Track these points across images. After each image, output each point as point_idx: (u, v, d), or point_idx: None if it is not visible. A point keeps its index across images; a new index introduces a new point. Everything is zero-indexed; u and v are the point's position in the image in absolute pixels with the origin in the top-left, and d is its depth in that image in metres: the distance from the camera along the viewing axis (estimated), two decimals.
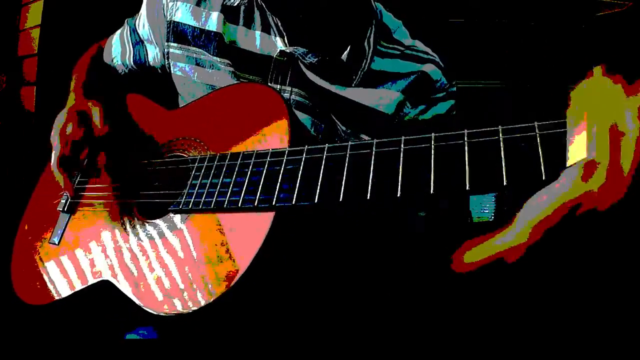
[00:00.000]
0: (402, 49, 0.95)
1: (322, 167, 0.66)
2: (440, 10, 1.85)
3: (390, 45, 0.95)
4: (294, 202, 0.66)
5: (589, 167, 0.51)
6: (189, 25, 0.99)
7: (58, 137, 0.93)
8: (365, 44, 0.92)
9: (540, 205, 0.56)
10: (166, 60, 1.04)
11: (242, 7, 0.96)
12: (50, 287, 0.91)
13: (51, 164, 0.94)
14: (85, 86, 1.07)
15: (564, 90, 1.75)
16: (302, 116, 0.92)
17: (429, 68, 0.93)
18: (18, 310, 0.95)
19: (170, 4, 1.00)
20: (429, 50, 0.96)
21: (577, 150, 0.52)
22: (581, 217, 0.53)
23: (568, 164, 0.52)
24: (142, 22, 1.07)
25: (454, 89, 0.96)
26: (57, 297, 0.89)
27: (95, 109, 0.96)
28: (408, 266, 0.86)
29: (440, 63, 0.95)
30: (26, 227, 1.07)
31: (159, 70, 1.08)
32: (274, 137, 0.76)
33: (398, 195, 0.59)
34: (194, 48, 0.99)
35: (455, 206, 0.94)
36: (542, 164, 0.52)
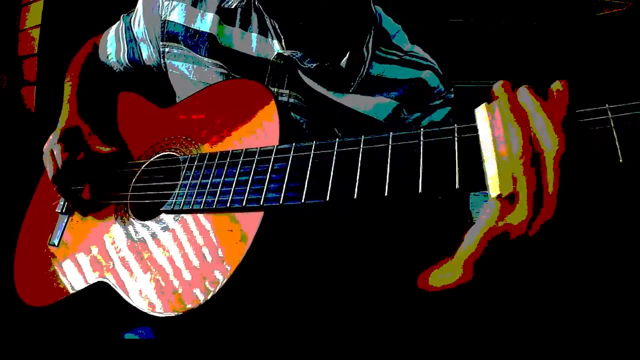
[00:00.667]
0: (401, 54, 0.94)
1: (310, 165, 0.65)
2: (440, 10, 1.85)
3: (390, 51, 0.94)
4: (281, 202, 0.65)
5: (506, 200, 0.48)
6: (181, 25, 0.98)
7: (49, 158, 0.96)
8: (364, 49, 0.91)
9: (467, 241, 0.53)
10: (162, 60, 1.03)
11: (239, 10, 0.95)
12: (51, 288, 0.91)
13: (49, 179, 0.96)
14: (80, 95, 1.08)
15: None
16: (299, 119, 0.92)
17: (426, 75, 0.93)
18: (20, 312, 0.95)
19: (166, 3, 1.00)
20: (427, 56, 0.95)
21: (493, 184, 0.48)
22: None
23: (490, 195, 0.49)
24: (138, 21, 1.07)
25: (452, 95, 0.95)
26: (57, 299, 0.89)
27: (92, 140, 0.98)
28: (407, 266, 0.85)
29: (439, 70, 0.94)
30: (28, 229, 1.08)
31: (155, 69, 1.07)
32: (264, 133, 0.75)
33: (386, 194, 0.57)
34: (187, 48, 0.98)
35: (454, 206, 0.94)
36: None
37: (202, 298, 0.68)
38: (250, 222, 0.69)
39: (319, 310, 0.89)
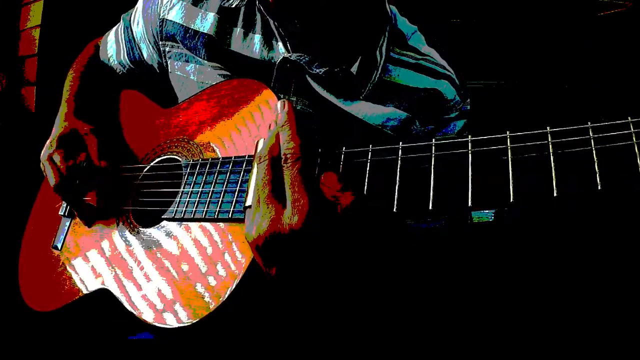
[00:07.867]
0: (418, 57, 0.89)
1: (316, 174, 0.64)
2: (441, 10, 1.85)
3: (405, 52, 0.89)
4: None
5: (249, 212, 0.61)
6: (179, 25, 0.94)
7: (48, 167, 0.92)
8: (377, 53, 0.86)
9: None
10: (163, 59, 1.00)
11: (242, 9, 0.90)
12: (55, 294, 0.90)
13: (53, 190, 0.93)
14: (78, 96, 1.04)
15: (564, 89, 1.75)
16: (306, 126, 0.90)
17: (442, 85, 0.88)
18: (24, 317, 0.95)
19: (166, 1, 0.96)
20: (445, 64, 0.90)
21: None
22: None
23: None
24: (137, 20, 1.03)
25: (468, 107, 0.91)
26: (62, 304, 0.88)
27: (91, 143, 0.93)
28: (408, 265, 0.85)
29: (456, 80, 0.89)
30: (31, 231, 1.06)
31: (157, 69, 1.05)
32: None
33: (394, 209, 0.55)
34: (185, 49, 0.94)
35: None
36: (553, 177, 0.47)
37: (194, 317, 0.67)
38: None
39: (318, 314, 0.90)
